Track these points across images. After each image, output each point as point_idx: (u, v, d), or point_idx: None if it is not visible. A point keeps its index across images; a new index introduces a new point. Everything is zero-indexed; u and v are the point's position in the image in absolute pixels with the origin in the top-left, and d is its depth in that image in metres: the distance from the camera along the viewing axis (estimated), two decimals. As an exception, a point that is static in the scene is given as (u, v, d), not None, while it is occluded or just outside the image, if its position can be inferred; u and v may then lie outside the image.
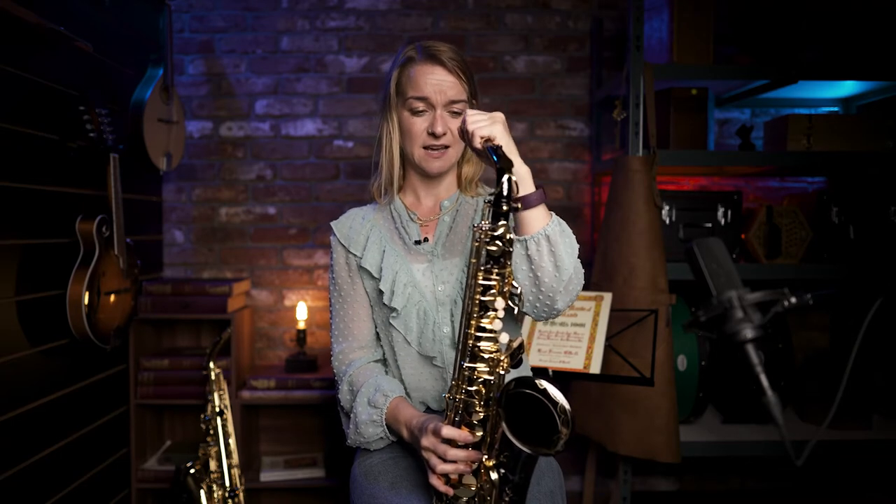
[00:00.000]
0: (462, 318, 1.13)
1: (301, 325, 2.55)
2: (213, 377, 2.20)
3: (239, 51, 2.67)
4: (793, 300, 0.82)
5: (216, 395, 2.19)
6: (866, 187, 2.31)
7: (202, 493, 2.10)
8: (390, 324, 1.37)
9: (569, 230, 1.24)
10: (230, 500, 2.11)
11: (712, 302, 0.84)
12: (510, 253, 1.09)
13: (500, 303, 1.09)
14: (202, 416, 2.19)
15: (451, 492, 1.13)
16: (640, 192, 2.10)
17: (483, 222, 1.09)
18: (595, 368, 1.82)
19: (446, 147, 1.33)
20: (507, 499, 1.09)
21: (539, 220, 1.17)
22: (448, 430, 1.11)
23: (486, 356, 1.11)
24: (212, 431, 2.15)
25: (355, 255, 1.40)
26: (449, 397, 1.15)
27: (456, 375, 1.14)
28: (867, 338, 0.88)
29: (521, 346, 1.13)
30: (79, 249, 1.89)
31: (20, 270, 1.75)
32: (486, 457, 1.11)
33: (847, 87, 2.45)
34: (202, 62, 2.67)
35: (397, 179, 1.40)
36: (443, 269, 1.36)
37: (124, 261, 2.03)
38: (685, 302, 2.27)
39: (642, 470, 2.72)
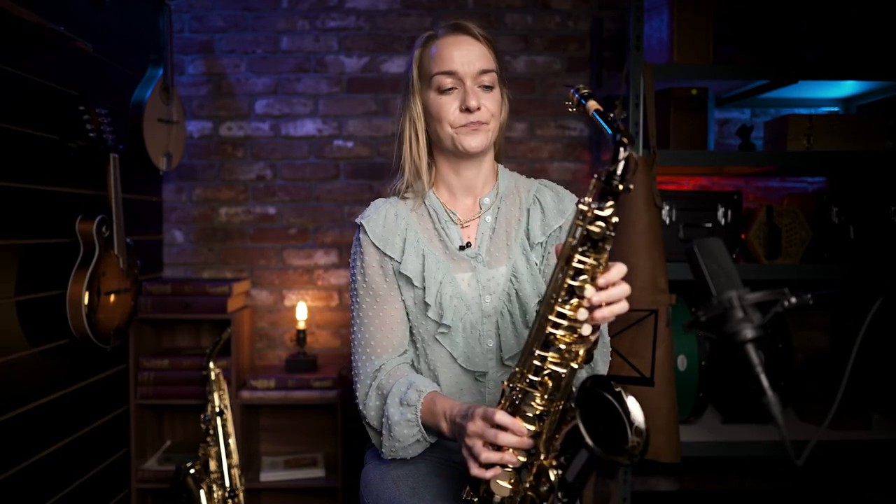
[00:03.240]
0: (545, 298, 1.00)
1: (301, 325, 2.55)
2: (213, 377, 2.20)
3: (239, 51, 2.67)
4: (793, 300, 0.82)
5: (216, 395, 2.19)
6: (866, 187, 2.31)
7: (202, 493, 2.10)
8: (436, 339, 1.24)
9: (607, 339, 1.27)
10: (230, 501, 2.11)
11: (712, 302, 0.84)
12: (612, 238, 0.95)
13: (589, 290, 0.94)
14: (202, 416, 2.19)
15: (498, 472, 1.00)
16: (640, 192, 2.10)
17: (588, 199, 0.95)
18: (595, 368, 1.82)
19: (483, 123, 1.22)
20: None
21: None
22: (502, 416, 0.98)
23: (561, 346, 0.98)
24: (212, 431, 2.15)
25: (392, 259, 1.25)
26: (507, 385, 1.03)
27: (522, 361, 1.02)
28: (867, 338, 0.88)
29: (597, 341, 1.04)
30: (79, 249, 1.89)
31: (20, 270, 1.75)
32: (543, 456, 1.00)
33: (847, 87, 2.45)
34: (202, 62, 2.67)
35: (426, 174, 1.28)
36: (489, 278, 1.25)
37: (124, 261, 2.03)
38: (685, 302, 2.27)
39: (642, 470, 2.72)
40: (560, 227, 1.28)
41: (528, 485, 1.01)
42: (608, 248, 0.95)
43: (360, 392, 1.26)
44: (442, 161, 1.30)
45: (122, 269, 2.03)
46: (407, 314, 1.28)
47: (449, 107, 1.21)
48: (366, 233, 1.27)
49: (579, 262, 0.96)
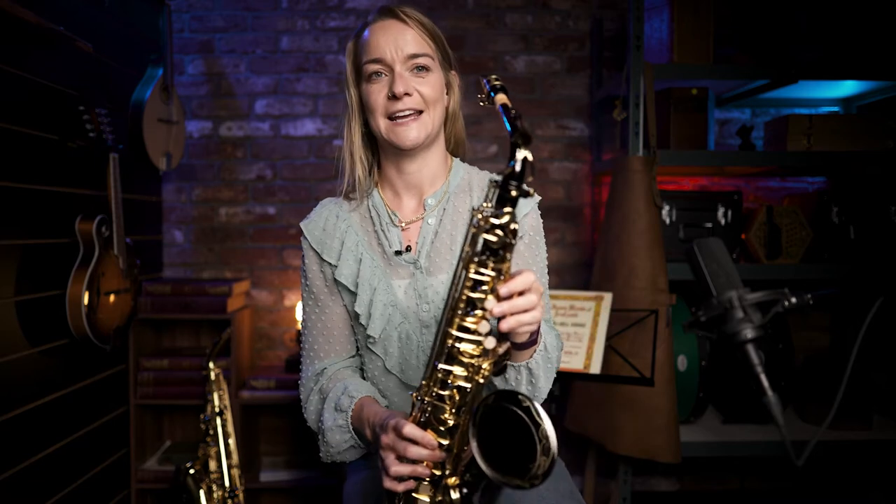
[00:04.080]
0: (444, 312, 0.97)
1: (301, 325, 2.55)
2: (212, 377, 2.20)
3: (239, 51, 2.67)
4: (793, 300, 0.82)
5: (216, 396, 2.19)
6: (866, 187, 2.31)
7: (202, 493, 2.10)
8: (368, 347, 1.21)
9: (555, 354, 1.14)
10: (230, 501, 2.11)
11: (712, 302, 0.84)
12: (512, 246, 0.91)
13: (490, 302, 0.90)
14: (202, 416, 2.18)
15: (412, 485, 0.98)
16: (640, 193, 2.10)
17: (485, 205, 0.92)
18: (595, 368, 1.82)
19: (418, 112, 1.14)
20: None
21: (526, 356, 1.07)
22: (411, 429, 0.95)
23: (464, 360, 0.95)
24: (211, 431, 2.15)
25: (329, 264, 1.21)
26: (416, 396, 1.00)
27: (428, 375, 0.99)
28: (867, 338, 0.88)
29: (507, 353, 0.99)
30: (78, 249, 1.89)
31: (20, 270, 1.75)
32: (448, 471, 0.97)
33: (847, 87, 2.45)
34: (202, 62, 2.67)
35: (365, 171, 1.22)
36: (427, 286, 1.18)
37: (124, 261, 2.03)
38: (685, 302, 2.27)
39: (642, 470, 2.72)
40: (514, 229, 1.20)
41: (442, 499, 0.98)
42: (509, 256, 0.91)
43: (303, 395, 1.24)
44: (384, 157, 1.23)
45: (122, 269, 2.03)
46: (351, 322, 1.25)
47: (378, 94, 1.13)
48: (305, 236, 1.24)
49: (477, 273, 0.92)
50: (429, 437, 0.96)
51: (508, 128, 0.91)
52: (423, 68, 1.14)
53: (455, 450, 0.97)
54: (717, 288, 0.84)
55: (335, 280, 1.21)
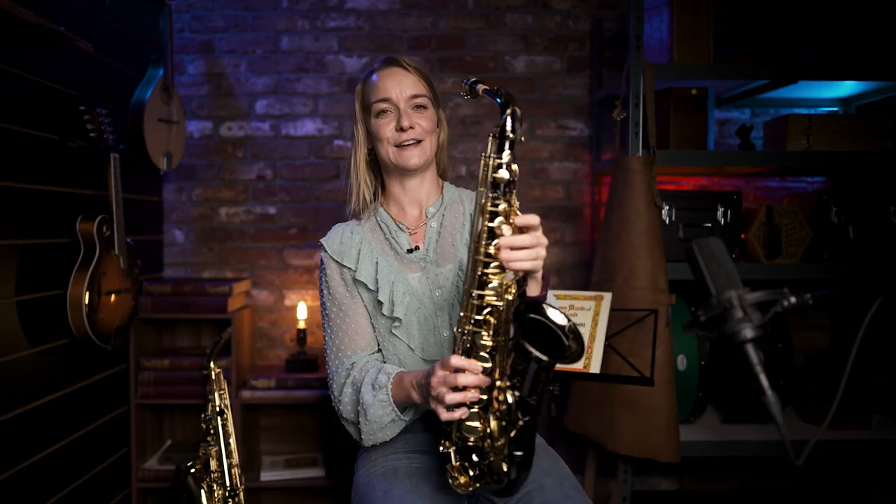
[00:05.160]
0: (471, 245, 1.15)
1: (301, 325, 2.56)
2: (213, 377, 2.20)
3: (239, 51, 2.67)
4: (793, 300, 0.83)
5: (216, 395, 2.18)
6: (866, 187, 2.31)
7: (202, 492, 2.10)
8: (393, 333, 1.37)
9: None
10: (230, 500, 2.11)
11: (712, 302, 0.84)
12: (515, 183, 1.11)
13: (507, 229, 1.10)
14: (202, 415, 2.18)
15: (465, 412, 1.11)
16: (640, 192, 2.10)
17: (488, 152, 1.12)
18: (595, 368, 1.82)
19: (418, 141, 1.37)
20: (521, 423, 1.09)
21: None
22: (457, 359, 1.10)
23: (494, 282, 1.12)
24: (212, 431, 2.15)
25: (349, 269, 1.39)
26: (458, 331, 1.15)
27: (464, 306, 1.14)
28: (867, 338, 0.88)
29: (524, 277, 1.15)
30: (79, 249, 1.89)
31: (20, 270, 1.75)
32: (498, 381, 1.10)
33: (847, 87, 2.45)
34: (202, 62, 2.67)
35: (369, 196, 1.44)
36: (437, 274, 1.38)
37: (124, 261, 2.03)
38: (685, 302, 2.28)
39: (642, 470, 2.72)
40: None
41: (492, 417, 1.11)
42: (515, 192, 1.12)
43: (335, 390, 1.36)
44: (389, 178, 1.45)
45: (123, 269, 2.03)
46: (371, 319, 1.40)
47: (386, 127, 1.37)
48: (325, 250, 1.42)
49: (493, 205, 1.11)
50: (474, 362, 1.10)
51: (497, 99, 1.13)
52: (421, 107, 1.38)
53: (498, 366, 1.11)
54: (716, 288, 0.84)
55: (355, 281, 1.39)
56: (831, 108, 2.71)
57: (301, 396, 2.40)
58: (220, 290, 2.38)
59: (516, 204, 1.13)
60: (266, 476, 2.41)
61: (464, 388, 1.10)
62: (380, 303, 1.35)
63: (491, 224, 1.11)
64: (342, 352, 1.38)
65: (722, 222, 2.29)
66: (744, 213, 2.34)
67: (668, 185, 2.67)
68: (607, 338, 1.87)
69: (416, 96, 1.37)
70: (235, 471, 2.16)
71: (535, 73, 2.70)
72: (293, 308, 2.68)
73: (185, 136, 2.53)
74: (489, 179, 1.12)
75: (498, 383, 1.10)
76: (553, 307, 1.11)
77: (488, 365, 1.11)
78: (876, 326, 0.83)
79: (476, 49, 2.69)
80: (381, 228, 1.43)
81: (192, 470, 2.10)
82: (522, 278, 1.15)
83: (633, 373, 1.79)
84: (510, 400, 1.08)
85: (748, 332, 0.80)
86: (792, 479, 2.73)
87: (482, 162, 1.14)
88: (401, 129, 1.35)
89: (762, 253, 2.27)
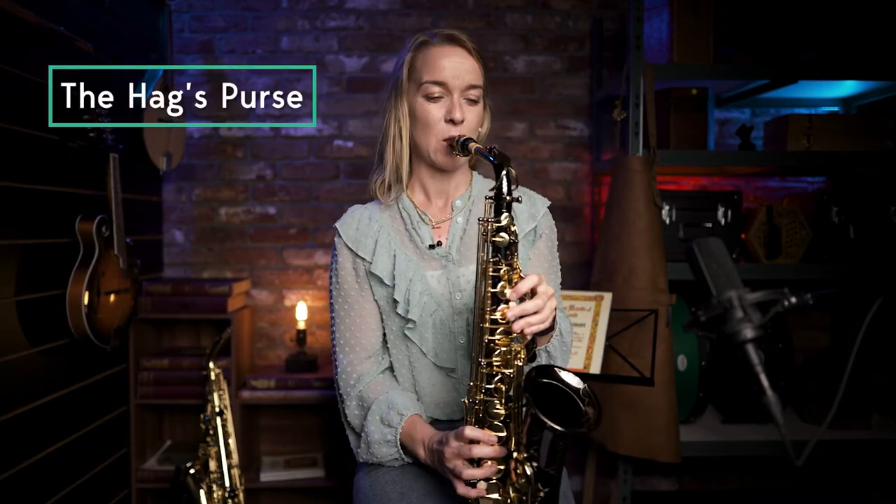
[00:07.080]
0: (475, 311, 1.11)
1: (301, 325, 2.55)
2: (212, 377, 2.20)
3: (239, 51, 2.67)
4: (793, 300, 0.82)
5: (216, 395, 2.18)
6: (866, 187, 2.31)
7: (202, 493, 2.10)
8: (405, 335, 1.29)
9: (569, 338, 1.32)
10: (230, 501, 2.11)
11: (712, 302, 0.84)
12: (516, 244, 1.08)
13: (510, 293, 1.06)
14: (202, 416, 2.18)
15: (483, 489, 1.08)
16: (640, 192, 2.10)
17: (486, 216, 1.09)
18: (595, 368, 1.82)
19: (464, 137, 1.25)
20: (541, 495, 1.06)
21: (544, 341, 1.22)
22: (471, 431, 1.06)
23: (501, 348, 1.08)
24: (212, 431, 2.15)
25: (364, 260, 1.29)
26: (468, 401, 1.11)
27: (473, 375, 1.11)
28: (867, 338, 0.88)
29: (533, 338, 1.12)
30: (78, 249, 1.89)
31: (20, 270, 1.75)
32: (515, 453, 1.07)
33: (847, 87, 2.45)
34: (202, 62, 2.67)
35: (406, 175, 1.30)
36: (459, 276, 1.28)
37: (124, 261, 2.03)
38: (685, 302, 2.27)
39: (642, 470, 2.72)
40: (533, 229, 1.35)
41: (511, 489, 1.07)
42: (517, 254, 1.09)
43: (342, 391, 1.32)
44: (419, 166, 1.32)
45: (122, 269, 2.03)
46: (381, 314, 1.33)
47: (435, 114, 1.23)
48: (340, 235, 1.32)
49: (494, 271, 1.08)
50: (489, 433, 1.07)
51: (490, 159, 1.09)
52: (474, 100, 1.25)
53: (513, 436, 1.08)
54: (716, 288, 0.84)
55: (368, 274, 1.30)
56: (831, 108, 2.71)
57: (301, 397, 2.40)
58: (219, 291, 2.38)
59: (518, 266, 1.09)
60: (266, 476, 2.41)
61: (479, 460, 1.07)
62: (395, 301, 1.27)
63: (494, 290, 1.08)
64: (350, 346, 1.32)
65: (722, 222, 2.29)
66: (744, 213, 2.34)
67: (668, 185, 2.66)
68: (607, 338, 1.88)
69: (473, 87, 1.23)
70: (235, 471, 2.16)
71: (535, 73, 2.70)
72: (293, 308, 2.68)
73: (185, 135, 2.53)
74: (489, 244, 1.08)
75: (515, 454, 1.07)
76: (566, 370, 1.07)
77: (503, 434, 1.08)
78: (876, 326, 0.83)
79: (476, 49, 2.69)
80: (402, 217, 1.32)
81: (192, 470, 2.10)
82: (532, 339, 1.12)
83: (634, 373, 1.79)
84: (528, 472, 1.05)
85: (748, 332, 0.80)
86: (792, 479, 2.73)
87: (480, 227, 1.10)
88: (451, 122, 1.22)
89: (762, 253, 2.27)
